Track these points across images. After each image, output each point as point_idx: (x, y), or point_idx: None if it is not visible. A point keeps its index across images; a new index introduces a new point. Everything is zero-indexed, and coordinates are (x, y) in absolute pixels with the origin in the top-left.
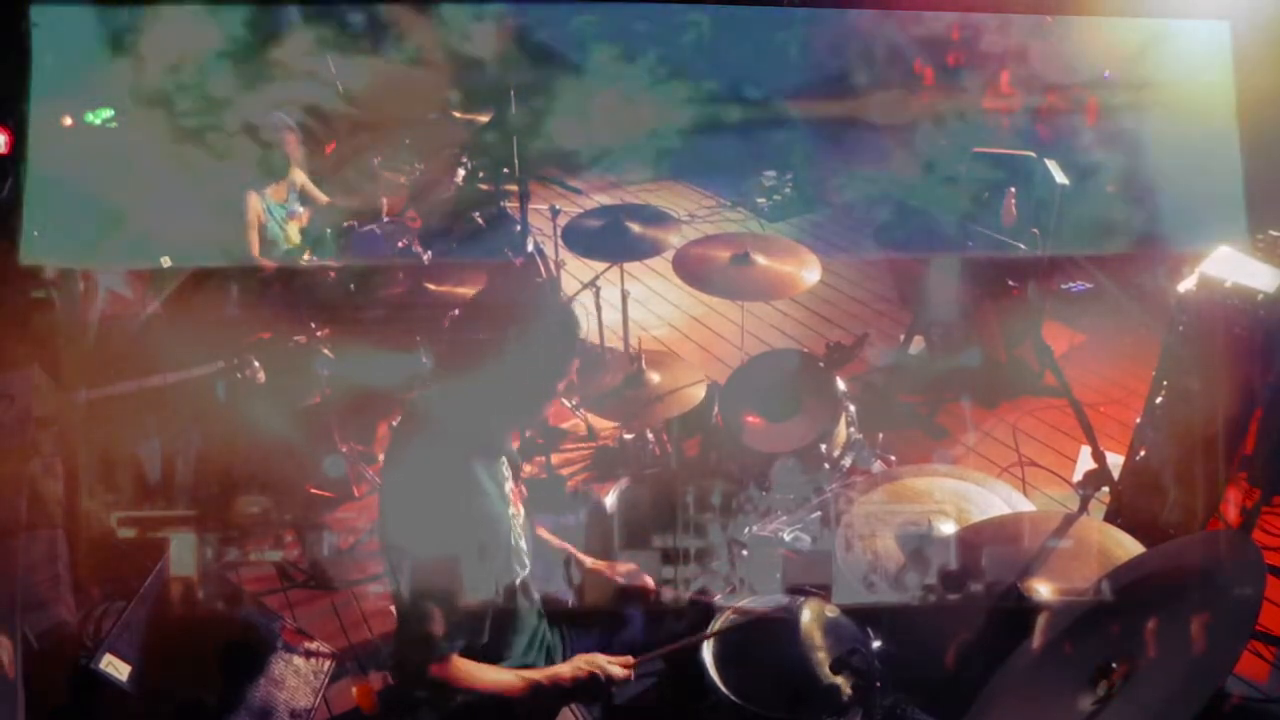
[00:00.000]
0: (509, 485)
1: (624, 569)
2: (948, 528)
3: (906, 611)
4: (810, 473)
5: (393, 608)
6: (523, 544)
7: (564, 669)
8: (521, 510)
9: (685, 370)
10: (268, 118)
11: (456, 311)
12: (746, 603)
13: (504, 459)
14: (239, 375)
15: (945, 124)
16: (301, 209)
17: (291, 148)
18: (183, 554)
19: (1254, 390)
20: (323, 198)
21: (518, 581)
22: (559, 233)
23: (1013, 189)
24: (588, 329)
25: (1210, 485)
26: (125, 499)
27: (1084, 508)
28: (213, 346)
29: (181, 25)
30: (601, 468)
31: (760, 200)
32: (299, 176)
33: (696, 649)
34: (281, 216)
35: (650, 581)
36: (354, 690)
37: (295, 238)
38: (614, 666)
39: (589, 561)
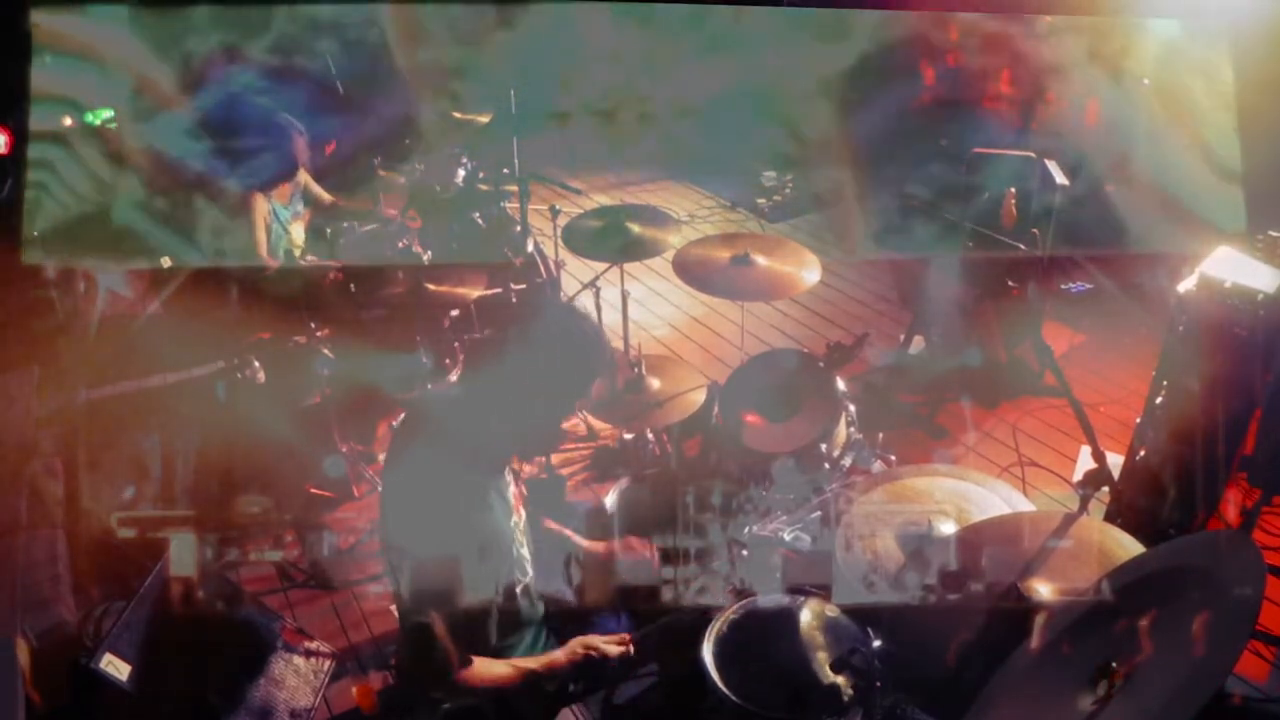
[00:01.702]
0: (511, 490)
1: (620, 546)
2: (948, 528)
3: (906, 611)
4: (810, 473)
5: (393, 608)
6: (525, 552)
7: (559, 654)
8: (523, 514)
9: (685, 375)
10: (276, 120)
11: (456, 312)
12: (748, 602)
13: (509, 470)
14: (239, 375)
15: (945, 122)
16: (303, 209)
17: (299, 150)
18: (183, 554)
19: (1254, 390)
20: (326, 197)
21: (519, 588)
22: (559, 233)
23: (1013, 189)
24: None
25: (1210, 485)
26: (125, 499)
27: (1084, 508)
28: (213, 346)
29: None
30: (601, 468)
31: (760, 200)
32: (303, 177)
33: (697, 632)
34: (286, 218)
35: (646, 551)
36: (354, 690)
37: (298, 239)
38: (609, 645)
39: (586, 544)
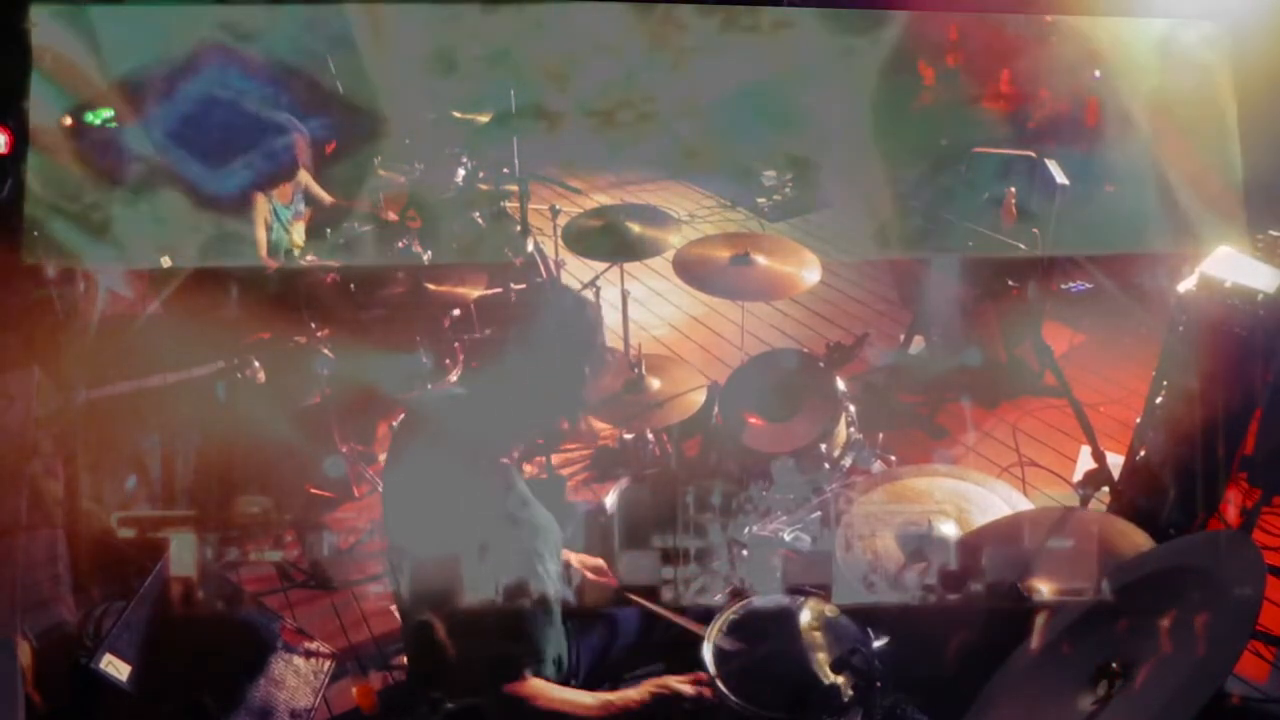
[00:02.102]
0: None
1: (591, 563)
2: (948, 528)
3: (906, 611)
4: (810, 473)
5: (393, 608)
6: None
7: (633, 693)
8: None
9: (686, 375)
10: (277, 120)
11: (456, 312)
12: (748, 602)
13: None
14: (239, 375)
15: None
16: (305, 208)
17: (300, 150)
18: (183, 554)
19: (1254, 390)
20: (327, 198)
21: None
22: (559, 233)
23: (1013, 189)
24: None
25: (1210, 485)
26: (125, 499)
27: (1084, 508)
28: (213, 346)
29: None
30: (601, 468)
31: (760, 200)
32: (304, 177)
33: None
34: (287, 218)
35: (611, 579)
36: (354, 690)
37: (299, 239)
38: (684, 685)
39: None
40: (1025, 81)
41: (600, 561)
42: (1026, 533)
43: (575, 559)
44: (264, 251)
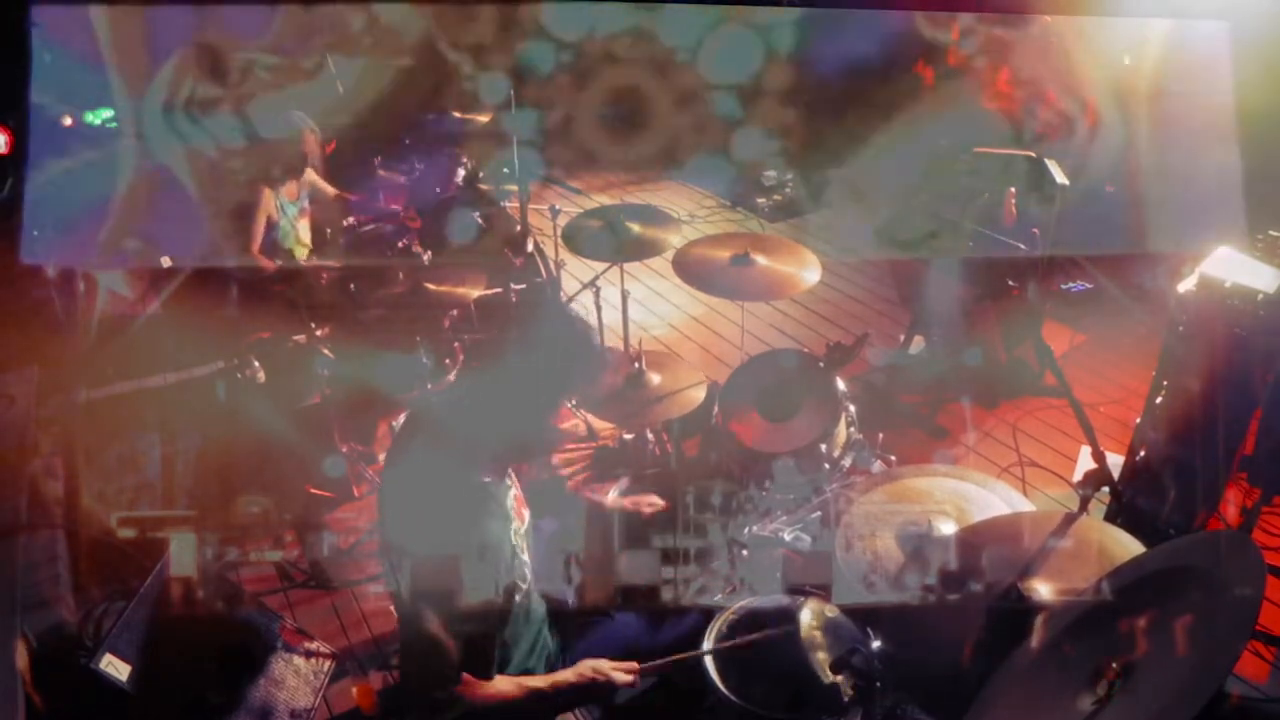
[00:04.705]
0: (513, 494)
1: (645, 500)
2: (948, 528)
3: (906, 611)
4: (810, 473)
5: (393, 608)
6: (525, 557)
7: (568, 674)
8: (526, 517)
9: (685, 371)
10: (288, 117)
11: (456, 312)
12: (748, 603)
13: (509, 476)
14: (239, 375)
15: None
16: (309, 205)
17: (310, 147)
18: (183, 554)
19: (1254, 390)
20: (331, 190)
21: (518, 595)
22: (559, 233)
23: (1013, 189)
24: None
25: (1210, 485)
26: (125, 499)
27: (1084, 508)
28: (213, 346)
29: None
30: (601, 468)
31: (760, 200)
32: (310, 174)
33: (699, 659)
34: (294, 214)
35: (659, 501)
36: (354, 690)
37: (305, 236)
38: (618, 673)
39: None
40: (1025, 81)
41: (654, 497)
42: (1026, 533)
43: (629, 501)
44: (257, 246)
